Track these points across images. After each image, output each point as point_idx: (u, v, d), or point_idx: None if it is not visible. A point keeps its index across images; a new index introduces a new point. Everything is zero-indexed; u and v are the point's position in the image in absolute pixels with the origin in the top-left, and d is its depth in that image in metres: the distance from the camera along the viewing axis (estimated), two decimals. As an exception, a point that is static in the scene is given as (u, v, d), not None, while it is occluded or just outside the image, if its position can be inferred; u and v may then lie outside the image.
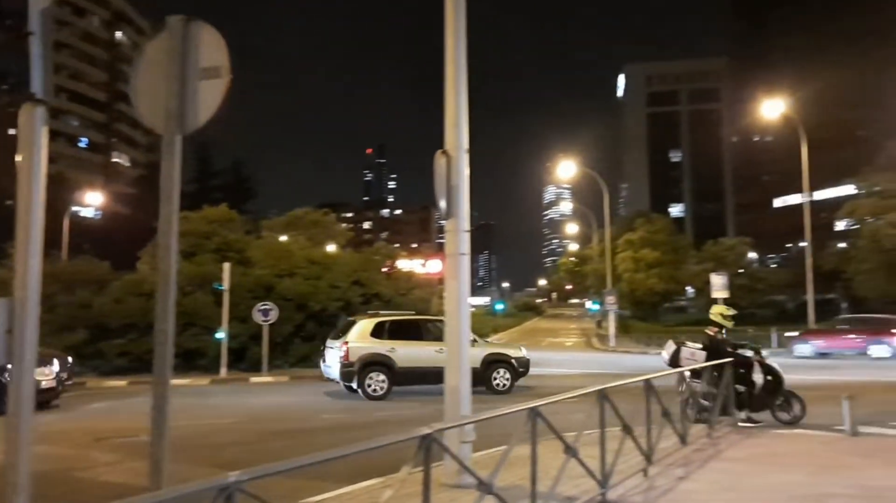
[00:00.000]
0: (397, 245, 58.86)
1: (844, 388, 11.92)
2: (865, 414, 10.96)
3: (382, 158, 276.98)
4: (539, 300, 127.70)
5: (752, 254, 65.89)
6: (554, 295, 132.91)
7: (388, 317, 16.92)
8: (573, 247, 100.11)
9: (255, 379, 20.68)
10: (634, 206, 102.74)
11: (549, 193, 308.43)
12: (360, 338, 15.85)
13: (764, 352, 11.18)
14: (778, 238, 78.97)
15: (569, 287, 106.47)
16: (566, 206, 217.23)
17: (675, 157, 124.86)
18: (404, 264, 32.78)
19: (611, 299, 39.42)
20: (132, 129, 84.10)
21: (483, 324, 41.92)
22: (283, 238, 36.07)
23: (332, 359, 16.06)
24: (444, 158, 6.90)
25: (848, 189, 51.80)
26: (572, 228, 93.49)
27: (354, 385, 15.46)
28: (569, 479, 6.02)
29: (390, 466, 3.69)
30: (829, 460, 7.71)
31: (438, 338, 14.91)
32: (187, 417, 11.69)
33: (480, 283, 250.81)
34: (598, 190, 46.94)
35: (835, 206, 50.80)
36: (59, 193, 35.41)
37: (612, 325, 40.27)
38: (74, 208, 42.16)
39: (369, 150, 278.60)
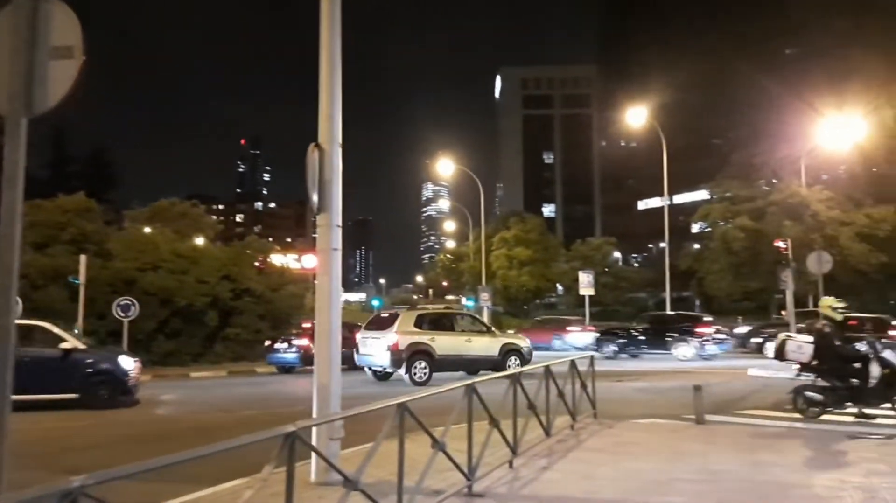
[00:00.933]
0: (271, 239, 57.21)
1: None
2: (714, 403, 11.87)
3: (257, 150, 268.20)
4: (416, 296, 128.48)
5: (617, 254, 69.42)
6: (430, 291, 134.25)
7: (426, 310, 19.34)
8: (450, 244, 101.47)
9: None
10: (509, 205, 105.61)
11: (428, 190, 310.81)
12: (406, 329, 17.34)
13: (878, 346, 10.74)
14: (641, 239, 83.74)
15: (445, 284, 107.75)
16: (444, 204, 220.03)
17: (549, 158, 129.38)
18: (278, 259, 32.02)
19: (485, 296, 40.31)
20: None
21: (360, 321, 41.63)
22: (148, 230, 34.30)
23: (376, 349, 17.37)
24: (317, 152, 6.78)
25: (703, 194, 55.67)
26: (450, 226, 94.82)
27: (402, 371, 16.87)
28: (437, 473, 6.10)
29: (262, 466, 3.60)
30: (677, 448, 8.25)
31: (465, 329, 18.68)
32: (32, 421, 10.89)
33: (357, 280, 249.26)
34: (476, 188, 47.93)
35: (692, 209, 54.47)
36: None
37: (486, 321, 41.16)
38: None
39: (243, 141, 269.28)
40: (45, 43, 3.73)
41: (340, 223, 6.95)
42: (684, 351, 25.36)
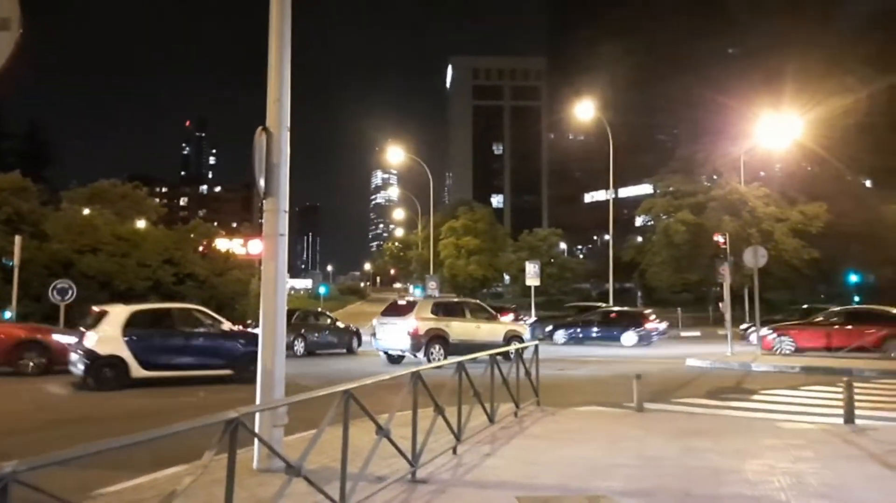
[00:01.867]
0: (216, 224, 56.08)
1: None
2: (653, 391, 12.21)
3: (202, 132, 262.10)
4: (363, 284, 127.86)
5: (563, 245, 70.31)
6: (378, 279, 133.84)
7: (440, 298, 20.96)
8: (399, 232, 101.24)
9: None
10: (458, 194, 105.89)
11: (377, 178, 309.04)
12: (424, 315, 18.69)
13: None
14: (586, 230, 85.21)
15: (393, 271, 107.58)
16: (393, 192, 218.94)
17: (498, 149, 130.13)
18: (223, 244, 31.39)
19: (433, 284, 40.36)
20: None
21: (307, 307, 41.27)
22: (87, 212, 33.25)
23: (396, 333, 18.60)
24: (265, 135, 6.69)
25: (647, 188, 56.82)
26: (399, 214, 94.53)
27: (421, 355, 17.89)
28: (381, 459, 6.13)
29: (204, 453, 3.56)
30: (617, 434, 8.47)
31: (475, 316, 20.01)
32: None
33: (304, 266, 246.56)
34: (425, 176, 47.91)
35: (636, 203, 55.54)
36: None
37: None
38: None
39: (188, 123, 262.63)
40: (-23, 14, 3.59)
41: (287, 208, 6.88)
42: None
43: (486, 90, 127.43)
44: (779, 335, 22.04)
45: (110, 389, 12.90)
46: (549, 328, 29.66)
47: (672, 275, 46.49)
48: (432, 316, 18.94)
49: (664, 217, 47.63)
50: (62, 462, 2.74)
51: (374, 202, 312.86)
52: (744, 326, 29.30)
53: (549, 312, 36.87)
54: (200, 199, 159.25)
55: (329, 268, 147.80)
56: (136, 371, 13.34)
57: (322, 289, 63.17)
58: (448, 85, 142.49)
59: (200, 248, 28.25)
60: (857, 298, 49.61)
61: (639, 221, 56.61)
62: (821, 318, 22.40)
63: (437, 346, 18.36)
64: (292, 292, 78.15)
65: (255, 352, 14.12)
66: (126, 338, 13.25)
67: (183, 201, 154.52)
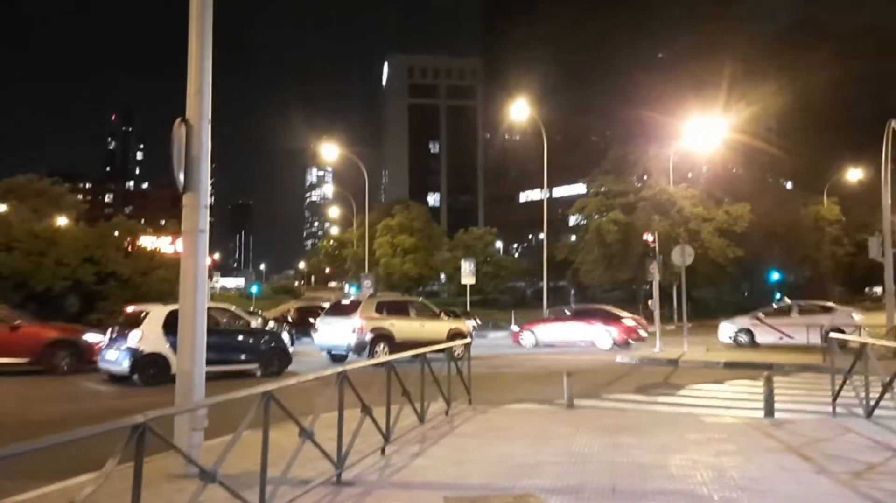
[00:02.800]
0: (143, 221, 54.30)
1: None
2: (584, 388, 12.35)
3: (129, 126, 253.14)
4: (297, 283, 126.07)
5: (499, 244, 70.91)
6: (313, 278, 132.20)
7: (384, 297, 21.12)
8: (334, 230, 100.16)
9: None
10: (394, 192, 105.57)
11: (312, 175, 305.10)
12: (369, 314, 18.73)
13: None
14: (521, 229, 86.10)
15: (328, 270, 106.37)
16: (328, 189, 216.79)
17: (434, 148, 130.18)
18: (149, 241, 30.34)
19: (368, 283, 40.05)
20: None
21: (240, 307, 40.35)
22: (1, 208, 31.66)
23: (340, 332, 18.65)
24: (185, 128, 6.42)
25: (580, 188, 57.80)
26: (334, 212, 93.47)
27: (365, 354, 17.90)
28: (307, 462, 5.97)
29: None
30: (546, 431, 8.49)
31: (419, 315, 20.23)
32: None
33: (235, 265, 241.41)
34: (361, 174, 47.49)
35: (569, 202, 56.44)
36: None
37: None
38: None
39: (114, 116, 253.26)
40: None
41: (208, 203, 6.62)
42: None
43: (422, 89, 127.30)
44: (523, 330, 26.76)
45: (153, 385, 13.64)
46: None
47: (604, 273, 47.45)
48: (377, 315, 19.02)
49: (596, 216, 48.57)
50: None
51: (308, 200, 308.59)
52: None
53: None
54: (127, 196, 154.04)
55: (262, 266, 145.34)
56: (175, 368, 13.46)
57: (254, 289, 61.92)
58: (384, 83, 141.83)
59: (124, 246, 27.23)
60: (778, 295, 51.76)
61: (572, 221, 57.53)
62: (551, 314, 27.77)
63: (382, 345, 18.38)
64: (223, 291, 76.38)
65: (279, 348, 16.27)
66: (167, 337, 13.68)
67: (108, 198, 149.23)
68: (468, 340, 13.54)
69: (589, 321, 25.28)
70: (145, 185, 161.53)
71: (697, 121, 31.91)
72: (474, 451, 7.37)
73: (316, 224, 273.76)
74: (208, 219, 6.60)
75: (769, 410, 9.53)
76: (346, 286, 64.52)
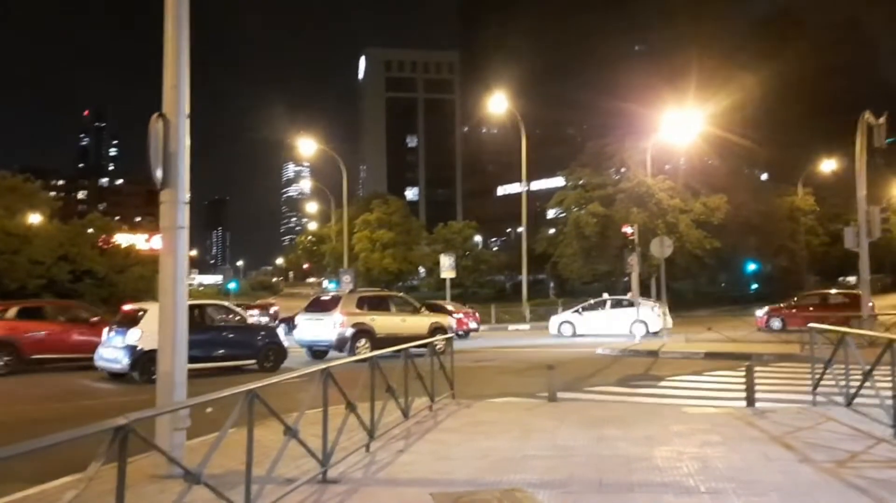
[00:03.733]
0: (118, 218, 53.49)
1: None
2: (566, 381, 12.38)
3: (102, 122, 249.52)
4: (275, 279, 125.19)
5: (478, 238, 70.92)
6: (291, 274, 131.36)
7: (365, 292, 20.93)
8: (312, 225, 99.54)
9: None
10: (373, 187, 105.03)
11: (289, 171, 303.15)
12: (350, 310, 18.65)
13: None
14: (500, 223, 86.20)
15: (306, 266, 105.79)
16: (306, 185, 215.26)
17: (412, 142, 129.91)
18: (124, 239, 29.93)
19: (347, 278, 39.81)
20: None
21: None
22: (-28, 205, 30.96)
23: (321, 329, 18.60)
24: (161, 122, 6.30)
25: (559, 181, 57.90)
26: (312, 207, 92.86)
27: (346, 350, 17.91)
28: (291, 460, 5.91)
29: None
30: (530, 425, 8.48)
31: (400, 310, 20.29)
32: None
33: (213, 262, 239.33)
34: (339, 169, 47.19)
35: (548, 195, 56.54)
36: None
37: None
38: None
39: (86, 112, 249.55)
40: None
41: (187, 200, 6.50)
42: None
43: (399, 82, 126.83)
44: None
45: (153, 383, 13.24)
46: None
47: (583, 266, 47.59)
48: (357, 310, 18.94)
49: (575, 209, 48.66)
50: None
51: (286, 195, 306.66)
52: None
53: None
54: (100, 193, 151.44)
55: (239, 263, 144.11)
56: None
57: (232, 285, 61.35)
58: (361, 77, 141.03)
59: (99, 244, 26.83)
60: (754, 286, 52.31)
61: (551, 213, 57.65)
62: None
63: (363, 341, 18.32)
64: (201, 288, 75.66)
65: (275, 344, 16.40)
66: None
67: (81, 195, 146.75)
68: (450, 335, 13.54)
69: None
70: (119, 182, 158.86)
71: (674, 113, 32.08)
72: (459, 446, 7.34)
73: (294, 219, 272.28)
74: (188, 215, 6.49)
75: (750, 400, 9.61)
76: (325, 282, 64.20)
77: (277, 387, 5.40)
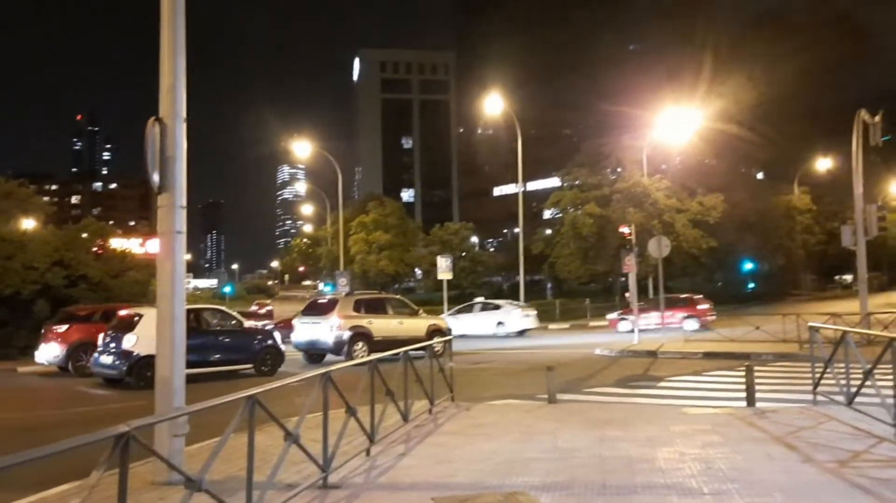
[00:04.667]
0: (112, 222, 53.41)
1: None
2: (565, 382, 12.35)
3: (95, 126, 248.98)
4: (271, 282, 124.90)
5: (475, 239, 70.84)
6: (287, 277, 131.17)
7: (362, 295, 20.71)
8: (307, 228, 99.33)
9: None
10: (368, 189, 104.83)
11: (284, 173, 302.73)
12: (347, 313, 18.61)
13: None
14: (496, 224, 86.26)
15: (302, 269, 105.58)
16: (301, 187, 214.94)
17: (408, 143, 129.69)
18: (119, 243, 29.77)
19: (343, 281, 39.74)
20: None
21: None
22: (-33, 211, 30.88)
23: (319, 332, 18.57)
24: (158, 126, 6.25)
25: (555, 181, 57.92)
26: (307, 209, 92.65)
27: (343, 353, 17.77)
28: (292, 465, 5.88)
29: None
30: (531, 427, 8.45)
31: (397, 312, 20.21)
32: None
33: (207, 265, 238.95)
34: (334, 171, 47.08)
35: (544, 196, 56.52)
36: None
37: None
38: None
39: (79, 117, 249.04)
40: None
41: (185, 204, 6.45)
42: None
43: (394, 84, 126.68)
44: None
45: (149, 388, 13.33)
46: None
47: (580, 266, 47.59)
48: (355, 313, 18.88)
49: (572, 209, 48.65)
50: None
51: (280, 198, 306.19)
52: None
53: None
54: (94, 197, 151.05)
55: (234, 266, 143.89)
56: None
57: (227, 289, 61.24)
58: (356, 78, 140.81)
59: (94, 249, 26.71)
60: (751, 285, 52.39)
61: (547, 214, 57.58)
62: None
63: (361, 344, 18.29)
64: (196, 292, 75.47)
65: (271, 348, 16.36)
66: None
67: (75, 199, 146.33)
68: (448, 337, 13.49)
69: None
70: (113, 186, 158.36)
71: (670, 112, 32.08)
72: (460, 449, 7.30)
73: (289, 222, 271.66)
74: (185, 220, 6.44)
75: (751, 400, 9.58)
76: (321, 284, 64.05)
77: (276, 391, 5.36)
